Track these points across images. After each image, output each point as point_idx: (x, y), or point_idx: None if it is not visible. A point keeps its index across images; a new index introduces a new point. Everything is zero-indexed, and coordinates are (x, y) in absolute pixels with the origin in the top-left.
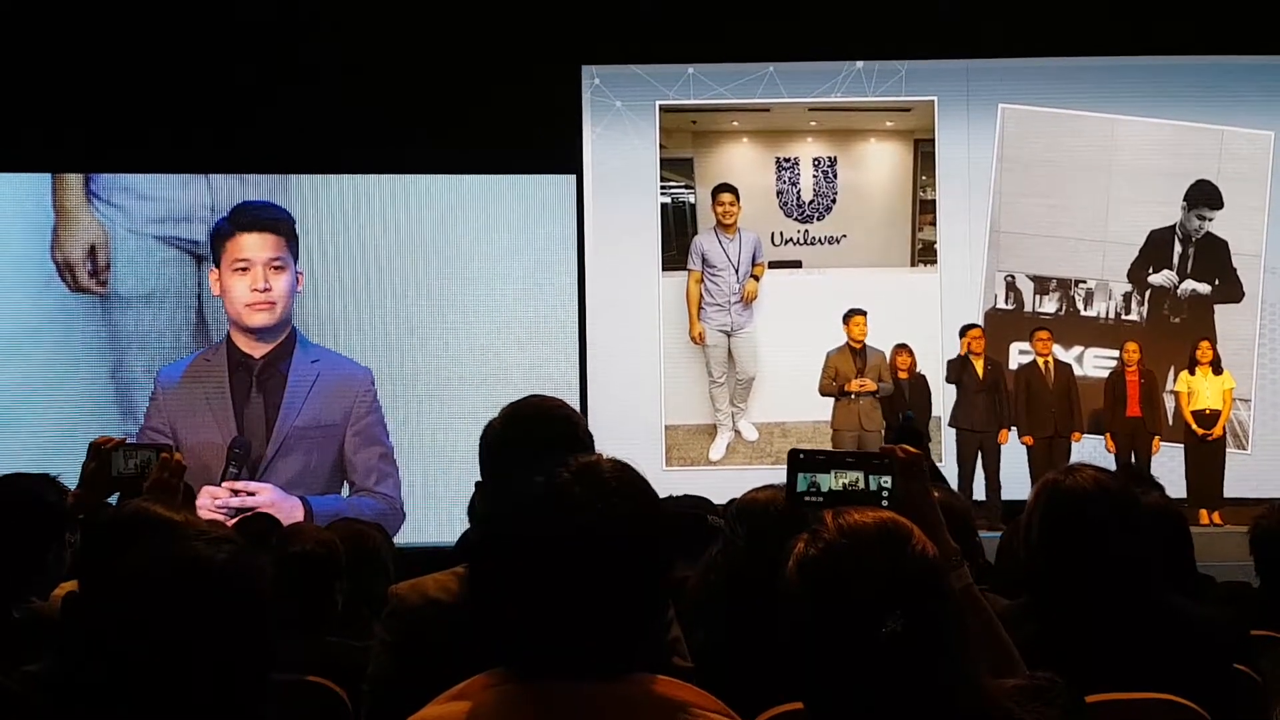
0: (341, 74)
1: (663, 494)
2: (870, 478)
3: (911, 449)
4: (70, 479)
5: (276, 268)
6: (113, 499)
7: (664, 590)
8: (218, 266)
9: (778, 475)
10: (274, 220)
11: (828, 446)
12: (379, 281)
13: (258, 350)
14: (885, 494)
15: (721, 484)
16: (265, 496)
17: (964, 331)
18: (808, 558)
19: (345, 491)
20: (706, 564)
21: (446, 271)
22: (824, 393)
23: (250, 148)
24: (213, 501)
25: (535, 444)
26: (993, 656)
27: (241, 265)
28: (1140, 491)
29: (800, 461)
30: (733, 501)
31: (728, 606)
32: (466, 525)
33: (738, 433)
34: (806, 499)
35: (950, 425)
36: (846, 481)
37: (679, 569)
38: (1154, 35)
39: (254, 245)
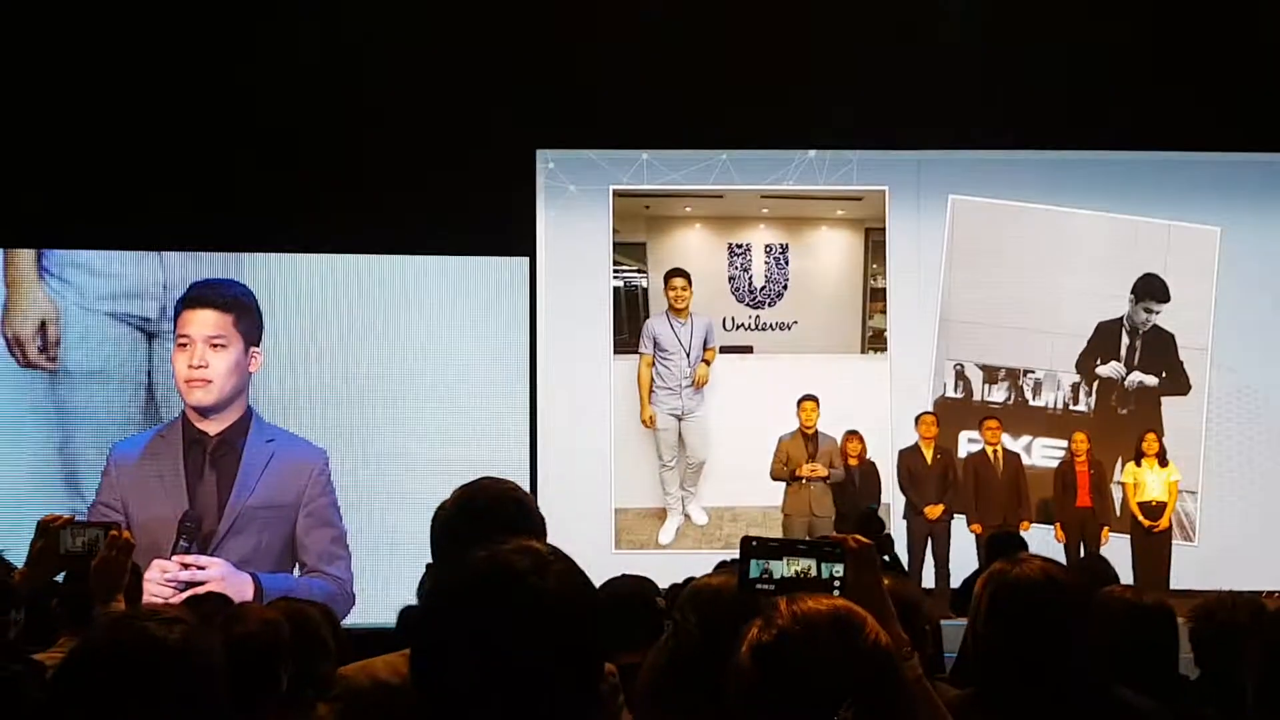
0: (297, 152)
1: (610, 576)
2: (823, 565)
3: (863, 539)
4: (15, 556)
5: (217, 345)
6: (59, 577)
7: (600, 667)
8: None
9: (726, 559)
10: (221, 298)
11: (778, 531)
12: (331, 361)
13: (211, 427)
14: (837, 582)
15: (671, 567)
16: (215, 571)
17: (917, 419)
18: (761, 644)
19: (296, 572)
20: (658, 650)
21: (399, 352)
22: (775, 477)
23: (204, 225)
24: (162, 575)
25: (487, 526)
26: None
27: (183, 341)
28: (1123, 588)
29: (753, 548)
30: (675, 586)
31: (679, 693)
32: None
33: (687, 516)
34: (759, 586)
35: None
36: (799, 569)
37: (622, 655)
38: (1103, 130)
39: (195, 322)
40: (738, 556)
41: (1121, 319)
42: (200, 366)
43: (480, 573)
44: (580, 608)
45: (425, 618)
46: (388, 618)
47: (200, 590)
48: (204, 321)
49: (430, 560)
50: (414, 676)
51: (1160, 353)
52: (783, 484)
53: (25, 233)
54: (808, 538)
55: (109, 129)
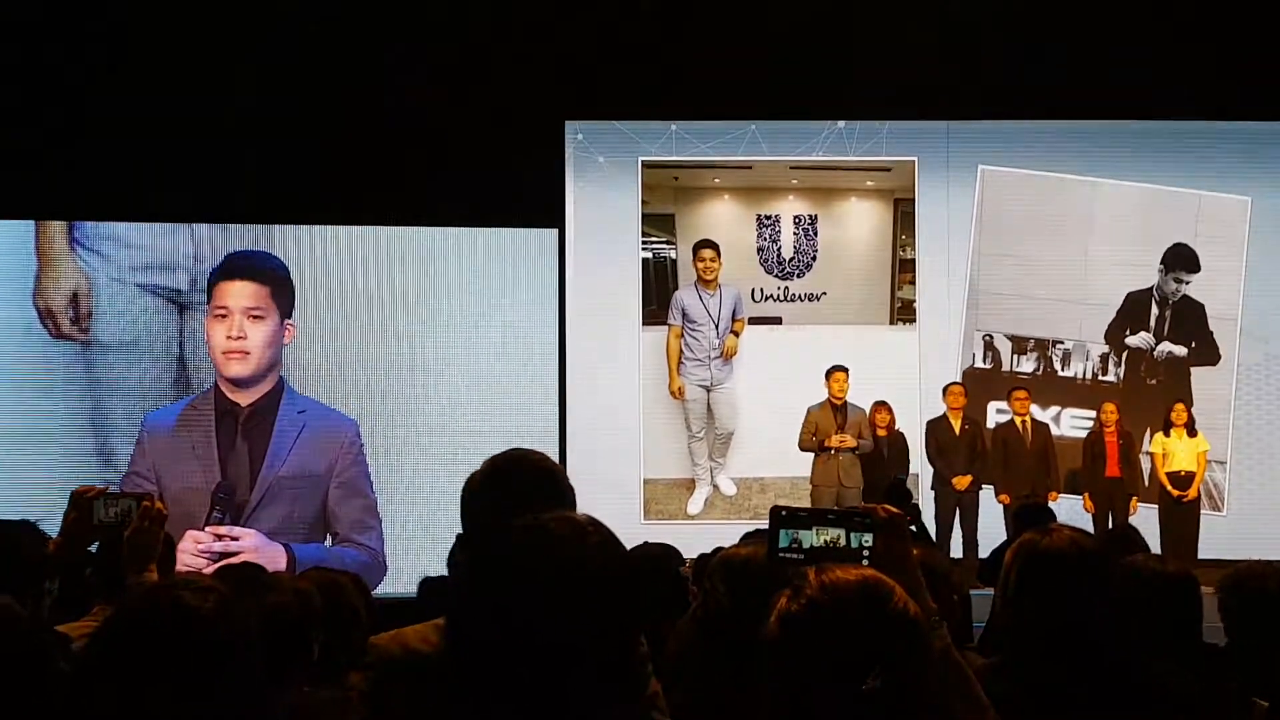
0: (328, 125)
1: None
2: (851, 535)
3: (893, 508)
4: (50, 526)
5: (255, 317)
6: (93, 547)
7: (638, 635)
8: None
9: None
10: (258, 270)
11: (806, 502)
12: (362, 333)
13: (244, 399)
14: (866, 551)
15: (699, 538)
16: (249, 542)
17: (945, 390)
18: (790, 613)
19: (328, 541)
20: (688, 618)
21: (429, 323)
22: (804, 448)
23: (235, 197)
24: (195, 546)
25: (517, 496)
26: (968, 716)
27: (220, 312)
28: (1147, 558)
29: (782, 518)
30: (704, 556)
31: (709, 661)
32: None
33: (716, 487)
34: (788, 555)
35: (931, 488)
36: (828, 538)
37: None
38: (1133, 100)
39: (233, 293)
40: (767, 526)
41: (1151, 289)
42: (239, 338)
43: (520, 543)
44: (618, 579)
45: (464, 587)
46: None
47: (234, 560)
48: (242, 293)
49: (460, 531)
50: (450, 645)
51: (1190, 323)
52: (811, 455)
53: (56, 205)
54: (836, 508)
55: (139, 101)
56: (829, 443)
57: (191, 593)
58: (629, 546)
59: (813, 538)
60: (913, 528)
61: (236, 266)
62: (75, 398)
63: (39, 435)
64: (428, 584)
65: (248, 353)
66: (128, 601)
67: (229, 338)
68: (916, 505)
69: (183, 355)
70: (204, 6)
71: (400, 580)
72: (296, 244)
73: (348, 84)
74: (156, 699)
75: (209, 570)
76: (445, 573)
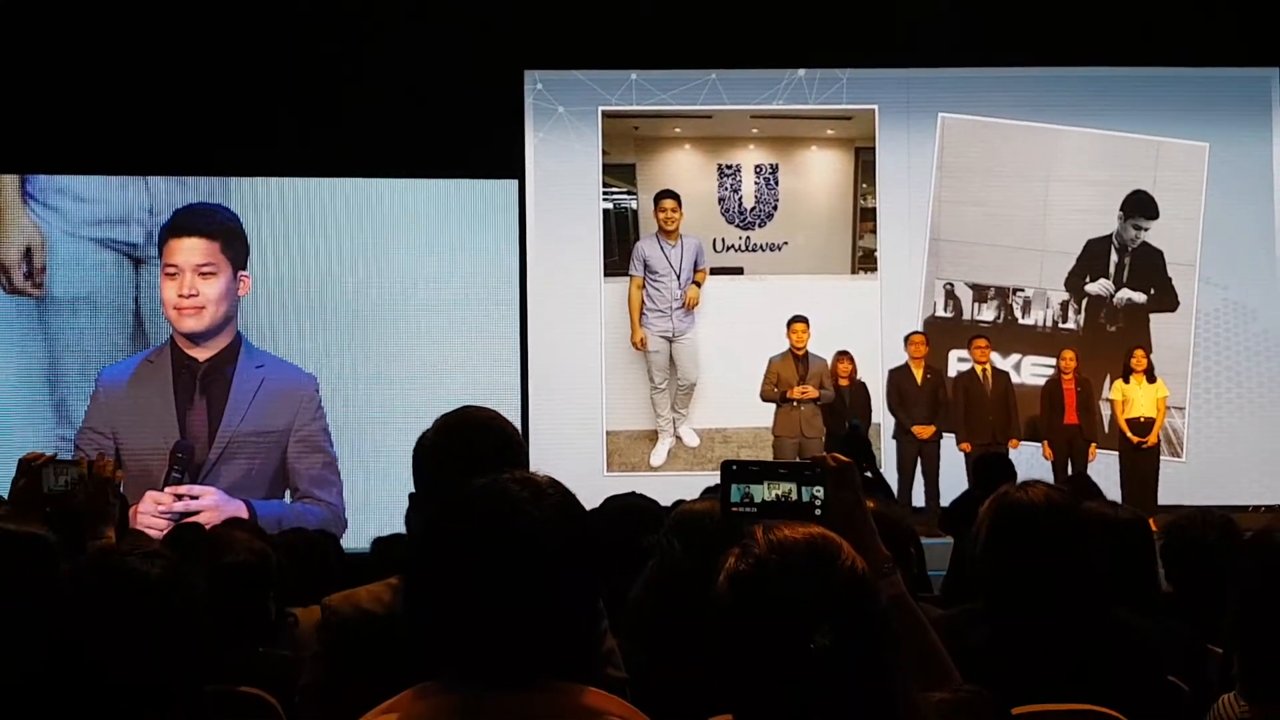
0: (283, 76)
1: (602, 499)
2: (803, 489)
3: (843, 457)
4: (2, 481)
5: (205, 273)
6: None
7: (596, 598)
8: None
9: (718, 481)
10: (208, 225)
11: (768, 452)
12: (319, 285)
13: (201, 354)
14: (818, 505)
15: (662, 489)
16: (209, 500)
17: (907, 339)
18: (738, 572)
19: (288, 497)
20: (644, 575)
21: (387, 276)
22: (765, 398)
23: (189, 149)
24: (156, 506)
25: (468, 456)
26: (925, 666)
27: (171, 270)
28: (1100, 504)
29: (733, 473)
30: (678, 503)
31: (664, 617)
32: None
33: (679, 438)
34: (740, 510)
35: (893, 437)
36: (779, 492)
37: (612, 581)
38: (1092, 47)
39: (183, 250)
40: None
41: (1110, 236)
42: (191, 295)
43: (478, 503)
44: (576, 540)
45: (421, 547)
46: None
47: (190, 520)
48: (192, 249)
49: (413, 490)
50: (407, 606)
51: (1149, 269)
52: (773, 405)
53: (8, 158)
54: (798, 458)
55: (92, 52)
56: (791, 394)
57: (139, 558)
58: (593, 499)
59: (764, 492)
60: (867, 474)
61: (185, 223)
62: (30, 354)
63: None
64: (380, 543)
65: (202, 308)
66: (75, 568)
67: (180, 295)
68: (872, 452)
69: (139, 310)
70: None
71: (360, 536)
72: (254, 196)
73: (304, 32)
74: (107, 664)
75: (168, 530)
76: (403, 530)
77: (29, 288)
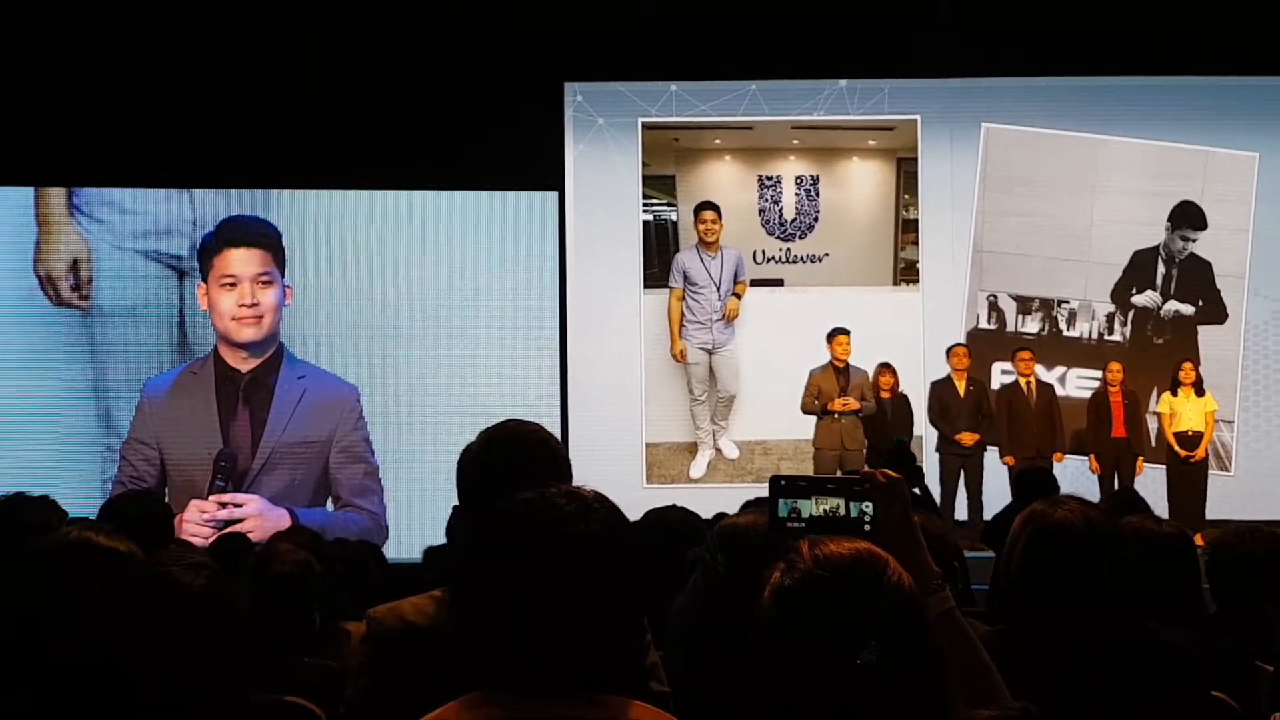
0: (325, 90)
1: (641, 511)
2: (851, 504)
3: (892, 473)
4: (52, 491)
5: (264, 283)
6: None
7: (642, 612)
8: (205, 281)
9: (757, 493)
10: (261, 235)
11: (809, 465)
12: (360, 297)
13: (245, 365)
14: (867, 520)
15: (702, 502)
16: (253, 508)
17: (949, 351)
18: (783, 588)
19: (330, 506)
20: (688, 589)
21: (428, 287)
22: (806, 411)
23: (233, 163)
24: (200, 515)
25: (512, 469)
26: (972, 682)
27: (229, 281)
28: (1143, 519)
29: (781, 488)
30: (719, 516)
31: (706, 633)
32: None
33: (718, 450)
34: (788, 524)
35: (935, 450)
36: (827, 508)
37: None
38: (1139, 56)
39: (241, 261)
40: (767, 493)
41: (1158, 247)
42: (252, 304)
43: (525, 517)
44: (622, 554)
45: (468, 561)
46: (418, 552)
47: (234, 529)
48: (250, 260)
49: (456, 503)
50: (454, 618)
51: (1197, 281)
52: (814, 417)
53: (56, 172)
54: (839, 472)
55: (138, 67)
56: (832, 406)
57: (183, 569)
58: (633, 511)
59: (812, 507)
60: (915, 491)
61: (239, 235)
62: (76, 365)
63: (40, 402)
64: (431, 552)
65: (261, 317)
66: (119, 579)
67: (242, 304)
68: (920, 468)
69: (183, 321)
70: None
71: (400, 545)
72: (295, 209)
73: (346, 46)
74: (147, 675)
75: (213, 539)
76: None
77: (75, 299)
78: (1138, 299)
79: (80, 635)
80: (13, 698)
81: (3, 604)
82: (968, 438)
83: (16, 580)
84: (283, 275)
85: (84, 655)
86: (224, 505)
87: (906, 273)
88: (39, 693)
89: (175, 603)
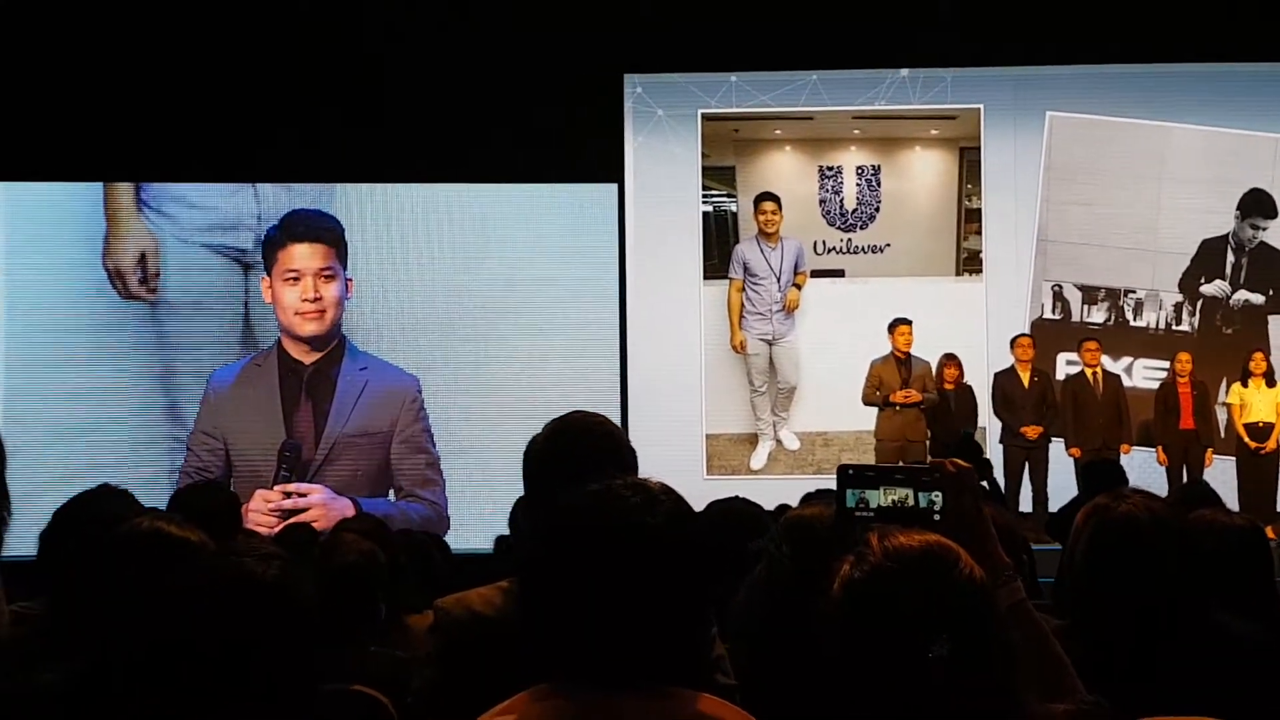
0: (387, 83)
1: (702, 503)
2: (919, 494)
3: (962, 462)
4: (119, 481)
5: (327, 277)
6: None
7: (708, 604)
8: (269, 275)
9: (817, 485)
10: (325, 230)
11: (870, 456)
12: (421, 289)
13: (308, 357)
14: (936, 510)
15: (762, 493)
16: (317, 497)
17: (1013, 342)
18: (853, 580)
19: (391, 496)
20: (752, 581)
21: (488, 280)
22: (867, 402)
23: (297, 157)
24: (265, 504)
25: (578, 460)
26: (1045, 675)
27: (292, 275)
28: (1214, 512)
29: (849, 477)
30: (781, 507)
31: (772, 625)
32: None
33: (779, 442)
34: (856, 514)
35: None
36: (895, 498)
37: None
38: (1206, 42)
39: (304, 255)
40: (828, 484)
41: (1227, 236)
42: (315, 299)
43: (593, 509)
44: (689, 546)
45: (536, 553)
46: (479, 542)
47: (299, 519)
48: (313, 255)
49: (522, 493)
50: (523, 609)
51: (1267, 270)
52: (875, 408)
53: (125, 167)
54: (900, 463)
55: (205, 63)
56: (893, 398)
57: (255, 560)
58: (693, 502)
59: (880, 497)
60: (984, 484)
61: (303, 229)
62: (144, 357)
63: (109, 394)
64: (503, 541)
65: (324, 311)
66: (192, 568)
67: (305, 299)
68: (988, 460)
69: (248, 314)
70: None
71: (461, 536)
72: (358, 202)
73: (408, 41)
74: (223, 665)
75: (278, 528)
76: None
77: (143, 292)
78: (1206, 288)
79: (158, 625)
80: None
81: (80, 594)
82: (1031, 431)
83: (92, 570)
84: (345, 269)
85: (162, 645)
86: (289, 495)
87: (969, 263)
88: (117, 681)
89: (250, 593)
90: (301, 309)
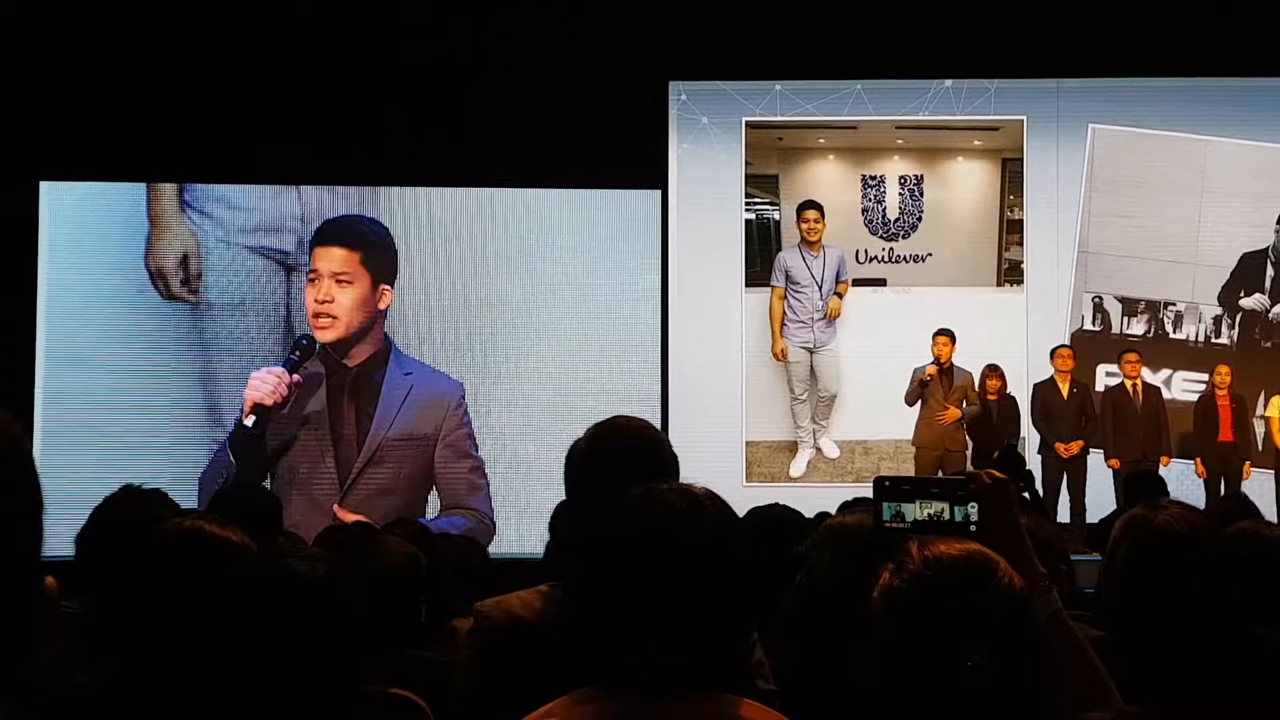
0: (432, 87)
1: (742, 510)
2: (955, 509)
3: (998, 474)
4: (160, 482)
5: (342, 282)
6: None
7: (751, 610)
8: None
9: (856, 493)
10: (351, 235)
11: (909, 465)
12: (465, 294)
13: (350, 360)
14: (972, 523)
15: (802, 501)
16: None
17: (1053, 353)
18: (893, 589)
19: (433, 502)
20: (793, 588)
21: (532, 285)
22: (910, 400)
23: (340, 159)
24: (270, 374)
25: (621, 464)
26: (1083, 685)
27: (311, 276)
28: (1254, 524)
29: (885, 489)
30: (821, 515)
31: (811, 632)
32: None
33: (819, 450)
34: (894, 527)
35: (1039, 452)
36: (931, 512)
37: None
38: (1248, 56)
39: (323, 258)
40: (866, 493)
41: (1267, 250)
42: (325, 301)
43: (638, 514)
44: (733, 552)
45: (581, 556)
46: (522, 548)
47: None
48: (332, 257)
49: (564, 496)
50: (567, 613)
51: None
52: (915, 417)
53: (168, 168)
54: (939, 472)
55: (248, 65)
56: (935, 418)
57: (301, 560)
58: (734, 508)
59: (916, 511)
60: (1024, 495)
61: (330, 233)
62: (186, 358)
63: (151, 394)
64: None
65: (335, 317)
66: (239, 568)
67: (316, 301)
68: (1029, 472)
69: (289, 316)
70: None
71: (504, 541)
72: (401, 206)
73: (453, 46)
74: (271, 665)
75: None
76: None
77: (185, 293)
78: (1246, 302)
79: (208, 626)
80: (128, 685)
81: (118, 593)
82: (1064, 449)
83: (131, 570)
84: (387, 278)
85: (211, 646)
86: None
87: (1011, 273)
88: (155, 681)
89: (297, 593)
90: (315, 310)
